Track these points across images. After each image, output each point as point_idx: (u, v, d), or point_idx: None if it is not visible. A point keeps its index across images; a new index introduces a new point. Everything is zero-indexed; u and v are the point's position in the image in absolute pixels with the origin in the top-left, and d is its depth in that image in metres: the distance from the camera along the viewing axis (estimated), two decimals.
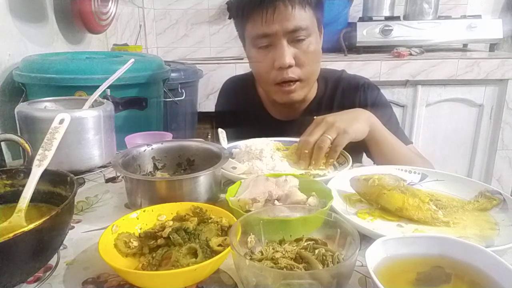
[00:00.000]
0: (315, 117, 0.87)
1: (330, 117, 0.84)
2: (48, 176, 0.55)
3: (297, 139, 0.93)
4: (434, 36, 2.13)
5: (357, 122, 0.84)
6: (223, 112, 1.21)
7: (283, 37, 0.89)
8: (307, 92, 1.01)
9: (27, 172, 0.55)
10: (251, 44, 0.95)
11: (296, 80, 0.94)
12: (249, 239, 0.48)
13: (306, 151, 0.81)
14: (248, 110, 1.12)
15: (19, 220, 0.50)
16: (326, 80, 1.08)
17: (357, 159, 0.90)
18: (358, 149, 0.97)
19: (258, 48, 0.93)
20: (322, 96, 1.07)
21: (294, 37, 0.90)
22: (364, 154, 1.05)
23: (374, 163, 0.97)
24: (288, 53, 0.90)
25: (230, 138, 0.89)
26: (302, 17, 0.89)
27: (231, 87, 1.21)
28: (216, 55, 2.54)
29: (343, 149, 0.86)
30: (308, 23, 0.91)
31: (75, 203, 0.67)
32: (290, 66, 0.91)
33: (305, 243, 0.48)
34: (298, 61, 0.92)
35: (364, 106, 0.98)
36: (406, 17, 2.26)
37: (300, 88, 0.96)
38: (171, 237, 0.51)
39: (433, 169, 0.76)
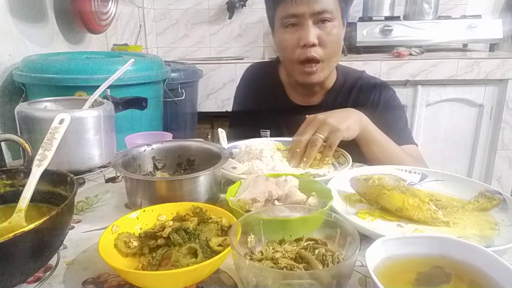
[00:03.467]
0: (307, 116, 0.90)
1: (321, 115, 0.87)
2: (48, 176, 0.55)
3: None
4: (434, 36, 2.13)
5: (348, 120, 0.87)
6: (243, 96, 1.25)
7: (310, 18, 0.95)
8: (327, 74, 1.05)
9: (27, 172, 0.55)
10: (279, 24, 1.01)
11: (318, 61, 0.99)
12: (249, 239, 0.48)
13: (298, 150, 0.84)
14: (269, 94, 1.16)
15: (19, 220, 0.50)
16: (346, 74, 1.14)
17: (361, 159, 0.91)
18: (356, 148, 0.98)
19: (285, 27, 0.99)
20: (340, 88, 1.12)
21: (319, 18, 0.96)
22: None
23: (367, 162, 0.97)
24: (313, 32, 0.96)
25: (256, 124, 0.93)
26: (328, 1, 0.95)
27: (253, 72, 1.26)
28: (216, 55, 2.54)
29: (344, 149, 0.87)
30: (333, 8, 0.97)
31: (75, 203, 0.67)
32: (313, 45, 0.97)
33: (305, 243, 0.48)
34: (321, 41, 0.97)
35: (376, 104, 1.06)
36: (406, 17, 2.26)
37: (321, 69, 1.01)
38: (171, 237, 0.51)
39: (433, 169, 0.76)
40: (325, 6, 0.95)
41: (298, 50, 0.99)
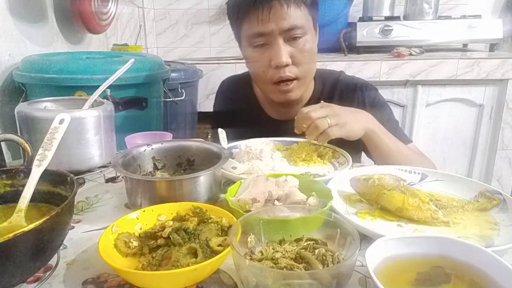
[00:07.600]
0: (322, 101, 0.88)
1: (337, 108, 0.85)
2: (48, 176, 0.55)
3: (296, 139, 0.93)
4: (434, 36, 2.13)
5: (355, 123, 0.85)
6: (220, 112, 1.22)
7: (279, 36, 0.89)
8: (304, 91, 1.02)
9: (27, 172, 0.55)
10: (247, 43, 0.95)
11: (293, 79, 0.94)
12: (249, 239, 0.48)
13: (305, 126, 0.83)
14: (245, 109, 1.12)
15: (19, 220, 0.50)
16: (323, 80, 1.08)
17: (356, 159, 0.91)
18: (356, 148, 0.98)
19: (254, 47, 0.94)
20: (319, 96, 1.07)
21: (290, 35, 0.90)
22: (364, 154, 1.06)
23: (374, 163, 0.97)
24: (284, 51, 0.90)
25: (229, 138, 0.90)
26: (297, 15, 0.89)
27: (228, 87, 1.22)
28: (216, 55, 2.54)
29: (343, 148, 0.87)
30: (304, 22, 0.91)
31: (75, 203, 0.67)
32: (287, 65, 0.91)
33: (305, 243, 0.48)
34: (295, 60, 0.92)
35: (362, 107, 0.99)
36: (406, 17, 2.26)
37: (297, 87, 0.97)
38: (171, 237, 0.51)
39: (433, 169, 0.76)
40: (294, 21, 0.88)
41: (271, 71, 0.93)
